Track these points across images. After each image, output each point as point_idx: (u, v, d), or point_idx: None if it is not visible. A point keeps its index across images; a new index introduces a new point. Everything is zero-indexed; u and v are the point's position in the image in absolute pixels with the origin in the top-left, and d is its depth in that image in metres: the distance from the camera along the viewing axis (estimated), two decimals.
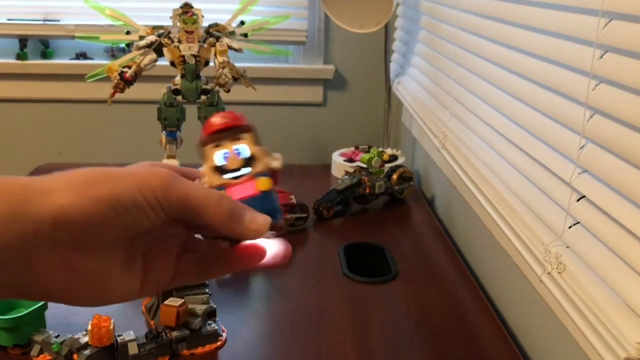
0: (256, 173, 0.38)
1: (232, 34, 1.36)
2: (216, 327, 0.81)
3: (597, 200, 0.65)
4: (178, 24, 1.30)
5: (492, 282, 1.01)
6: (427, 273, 1.02)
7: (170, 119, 1.35)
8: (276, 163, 0.38)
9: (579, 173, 0.69)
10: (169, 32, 1.30)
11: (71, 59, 1.74)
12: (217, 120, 0.38)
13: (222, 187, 0.37)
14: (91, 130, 1.78)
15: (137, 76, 1.25)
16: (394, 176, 1.30)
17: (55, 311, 0.85)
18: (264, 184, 0.37)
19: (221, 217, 0.35)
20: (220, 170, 0.38)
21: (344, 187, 1.23)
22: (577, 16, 0.70)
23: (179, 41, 1.30)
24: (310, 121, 1.83)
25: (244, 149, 0.38)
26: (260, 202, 0.37)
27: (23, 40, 1.69)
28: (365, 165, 1.28)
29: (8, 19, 1.65)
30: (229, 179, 0.38)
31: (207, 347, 0.80)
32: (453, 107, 1.15)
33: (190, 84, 1.33)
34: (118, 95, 1.25)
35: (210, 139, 0.38)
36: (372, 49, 1.71)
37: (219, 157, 0.38)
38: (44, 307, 0.80)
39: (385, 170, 1.30)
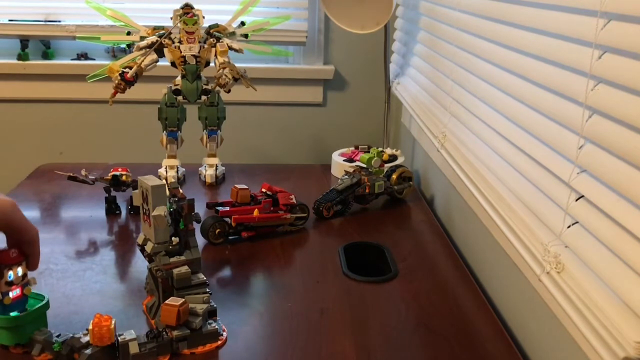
0: (23, 284, 0.77)
1: (232, 34, 1.37)
2: (217, 327, 0.81)
3: (596, 200, 0.65)
4: (179, 24, 1.30)
5: (491, 281, 1.01)
6: (426, 273, 1.02)
7: (171, 119, 1.35)
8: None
9: (578, 173, 0.70)
10: (170, 33, 1.31)
11: (72, 59, 1.74)
12: (13, 255, 0.74)
13: (7, 292, 0.75)
14: (92, 131, 1.78)
15: (138, 76, 1.26)
16: (394, 176, 1.30)
17: (57, 310, 0.86)
18: (28, 290, 0.77)
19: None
20: (8, 282, 0.74)
21: (343, 187, 1.24)
22: (575, 17, 0.70)
23: (180, 42, 1.31)
24: (310, 121, 1.83)
25: (20, 270, 0.76)
26: (23, 299, 0.77)
27: (24, 41, 1.69)
28: (365, 165, 1.29)
29: (9, 20, 1.66)
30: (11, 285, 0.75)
31: (208, 347, 0.80)
32: (452, 107, 1.16)
33: (191, 85, 1.33)
34: (119, 96, 1.25)
35: (4, 266, 0.74)
36: (371, 49, 1.72)
37: (8, 274, 0.75)
38: (46, 306, 0.80)
39: (385, 170, 1.31)
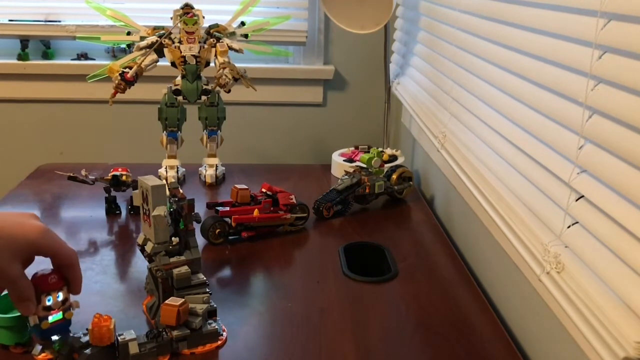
0: (64, 309, 0.72)
1: (232, 34, 1.37)
2: (216, 327, 0.81)
3: (596, 200, 0.65)
4: (179, 24, 1.30)
5: (492, 281, 1.01)
6: (426, 273, 1.02)
7: (171, 119, 1.35)
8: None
9: (578, 173, 0.70)
10: (170, 33, 1.30)
11: (72, 59, 1.74)
12: (52, 280, 0.71)
13: (45, 316, 0.71)
14: (92, 131, 1.78)
15: (138, 76, 1.26)
16: (394, 176, 1.30)
17: None
18: (70, 314, 0.73)
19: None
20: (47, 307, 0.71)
21: (344, 187, 1.24)
22: (576, 17, 0.70)
23: (180, 42, 1.31)
24: (310, 121, 1.83)
25: (60, 295, 0.72)
26: (65, 323, 0.73)
27: (24, 41, 1.69)
28: (365, 165, 1.29)
29: (9, 20, 1.66)
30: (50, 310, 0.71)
31: (208, 347, 0.80)
32: (452, 107, 1.16)
33: (191, 85, 1.33)
34: (119, 96, 1.25)
35: (41, 291, 0.70)
36: (371, 49, 1.72)
37: (48, 299, 0.70)
38: None
39: (385, 170, 1.31)
